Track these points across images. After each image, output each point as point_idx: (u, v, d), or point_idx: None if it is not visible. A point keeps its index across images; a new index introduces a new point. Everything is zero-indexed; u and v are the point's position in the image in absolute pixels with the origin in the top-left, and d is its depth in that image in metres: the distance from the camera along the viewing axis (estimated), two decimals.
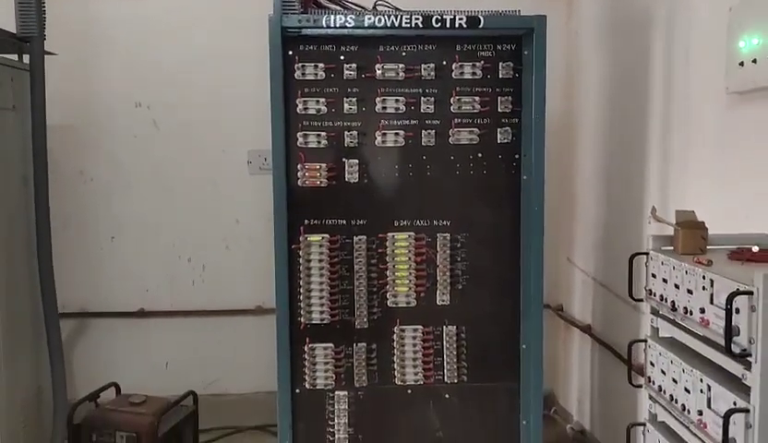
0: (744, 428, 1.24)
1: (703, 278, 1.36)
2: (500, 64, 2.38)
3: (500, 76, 2.38)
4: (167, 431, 2.89)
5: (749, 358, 1.22)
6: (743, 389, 1.26)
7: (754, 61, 1.85)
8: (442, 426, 2.47)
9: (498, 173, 2.41)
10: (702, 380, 1.38)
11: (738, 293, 1.21)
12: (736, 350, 1.24)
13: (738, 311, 1.24)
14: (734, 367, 1.28)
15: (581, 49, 3.42)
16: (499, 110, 2.39)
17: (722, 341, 1.27)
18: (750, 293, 1.20)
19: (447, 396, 2.46)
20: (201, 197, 3.56)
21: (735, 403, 1.26)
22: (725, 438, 1.24)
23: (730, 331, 1.23)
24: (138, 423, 2.81)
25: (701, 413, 1.39)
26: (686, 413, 1.44)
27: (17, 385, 2.46)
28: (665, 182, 2.46)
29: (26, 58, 2.53)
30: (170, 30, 3.46)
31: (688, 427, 1.44)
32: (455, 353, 2.46)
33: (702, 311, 1.37)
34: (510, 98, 2.39)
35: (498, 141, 2.40)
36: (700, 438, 1.39)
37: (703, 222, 1.53)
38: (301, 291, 2.40)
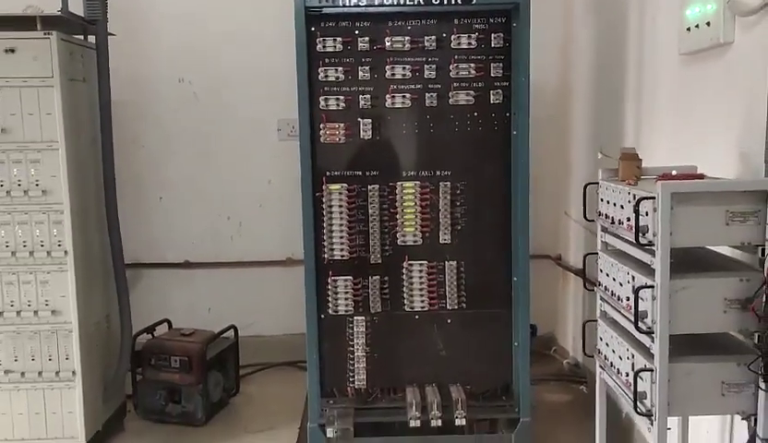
0: (651, 301, 1.64)
1: (629, 193, 1.76)
2: (492, 35, 2.75)
3: (493, 45, 2.75)
4: (213, 356, 3.39)
5: (653, 247, 1.63)
6: (652, 273, 1.66)
7: (697, 26, 2.21)
8: (444, 346, 2.88)
9: (491, 130, 2.79)
10: (628, 273, 1.79)
11: (643, 198, 1.61)
12: (644, 242, 1.64)
13: (647, 214, 1.64)
14: (646, 258, 1.68)
15: (574, 22, 3.78)
16: (492, 75, 2.76)
17: (642, 241, 1.67)
18: (653, 198, 1.60)
19: (448, 320, 2.87)
20: (237, 161, 4.03)
21: (646, 284, 1.67)
22: (636, 308, 1.65)
23: (638, 228, 1.63)
24: (189, 349, 3.31)
25: (628, 298, 1.79)
26: (619, 301, 1.85)
27: (91, 310, 2.96)
28: (638, 129, 2.84)
29: (91, 38, 2.99)
30: (207, 14, 3.92)
31: (620, 312, 1.85)
32: (455, 284, 2.86)
33: (629, 219, 1.76)
34: (501, 64, 2.76)
35: (491, 102, 2.77)
36: (627, 317, 1.80)
37: (637, 154, 1.92)
38: (324, 231, 2.82)
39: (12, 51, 2.67)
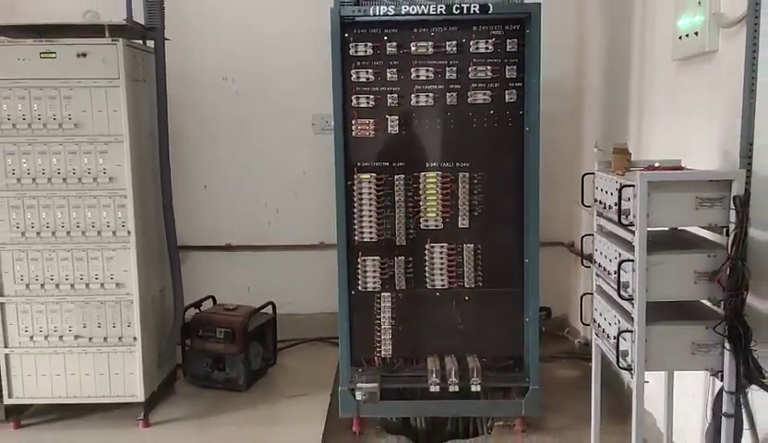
0: (632, 272, 1.95)
1: (616, 182, 2.06)
2: (508, 40, 3.04)
3: (508, 49, 3.05)
4: (253, 329, 3.76)
5: (633, 227, 1.93)
6: (633, 249, 1.96)
7: (687, 36, 2.49)
8: (462, 320, 3.19)
9: (506, 126, 3.09)
10: (615, 250, 2.09)
11: (625, 185, 1.92)
12: (626, 222, 1.94)
13: (629, 199, 1.94)
14: (628, 236, 1.99)
15: (588, 25, 4.05)
16: (507, 76, 3.06)
17: (624, 221, 1.98)
18: (632, 185, 1.90)
19: (466, 298, 3.18)
20: (275, 152, 4.39)
21: (628, 258, 1.97)
22: (618, 277, 1.95)
23: (620, 210, 1.93)
24: (232, 322, 3.68)
25: (615, 272, 2.09)
26: (609, 275, 2.15)
27: (149, 285, 3.35)
28: (639, 126, 3.12)
29: (149, 43, 3.37)
30: (247, 19, 4.28)
31: (609, 284, 2.16)
32: (473, 264, 3.16)
33: (616, 204, 2.06)
34: (515, 67, 3.05)
35: (506, 101, 3.07)
36: (614, 288, 2.10)
37: (627, 149, 2.21)
38: (355, 216, 3.14)
39: (84, 55, 3.05)
